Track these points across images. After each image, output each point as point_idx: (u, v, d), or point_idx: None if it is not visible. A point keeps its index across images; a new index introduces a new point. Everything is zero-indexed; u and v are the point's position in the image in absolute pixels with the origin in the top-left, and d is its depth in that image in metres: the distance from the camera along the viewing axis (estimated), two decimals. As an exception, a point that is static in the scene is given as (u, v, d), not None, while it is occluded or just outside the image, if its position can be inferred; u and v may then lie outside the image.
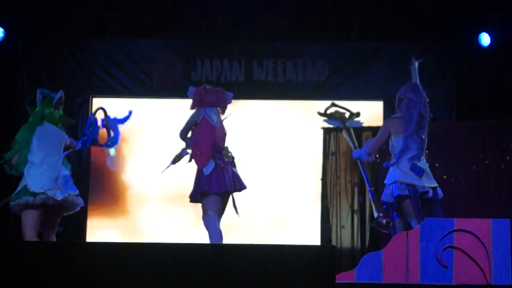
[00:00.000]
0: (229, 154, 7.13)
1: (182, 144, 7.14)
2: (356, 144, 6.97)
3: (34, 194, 6.48)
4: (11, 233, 9.08)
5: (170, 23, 9.89)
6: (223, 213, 7.04)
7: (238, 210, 6.99)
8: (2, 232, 9.27)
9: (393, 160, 6.44)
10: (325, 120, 7.20)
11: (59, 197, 6.52)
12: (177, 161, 7.18)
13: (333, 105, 7.23)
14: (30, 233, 6.46)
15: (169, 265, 4.52)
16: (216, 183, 6.90)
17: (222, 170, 6.97)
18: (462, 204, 8.83)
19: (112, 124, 7.22)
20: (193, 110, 7.15)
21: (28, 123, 6.74)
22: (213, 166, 6.96)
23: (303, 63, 10.06)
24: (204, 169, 6.95)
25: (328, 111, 7.19)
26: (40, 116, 6.69)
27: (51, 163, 6.61)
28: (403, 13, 9.72)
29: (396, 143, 6.44)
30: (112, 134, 7.20)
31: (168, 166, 7.19)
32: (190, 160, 7.08)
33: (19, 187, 6.56)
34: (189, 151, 7.09)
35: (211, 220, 6.87)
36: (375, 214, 6.49)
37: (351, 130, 7.09)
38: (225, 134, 7.25)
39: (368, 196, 6.92)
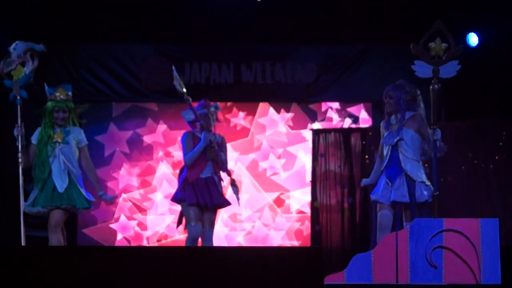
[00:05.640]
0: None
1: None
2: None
3: None
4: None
5: (159, 27, 9.86)
6: None
7: None
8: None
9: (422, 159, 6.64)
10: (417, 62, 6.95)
11: None
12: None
13: None
14: None
15: (158, 268, 4.51)
16: None
17: None
18: (451, 204, 8.84)
19: None
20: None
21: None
22: None
23: (292, 65, 10.03)
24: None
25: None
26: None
27: None
28: (391, 15, 9.71)
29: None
30: None
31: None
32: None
33: None
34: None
35: None
36: None
37: None
38: None
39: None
